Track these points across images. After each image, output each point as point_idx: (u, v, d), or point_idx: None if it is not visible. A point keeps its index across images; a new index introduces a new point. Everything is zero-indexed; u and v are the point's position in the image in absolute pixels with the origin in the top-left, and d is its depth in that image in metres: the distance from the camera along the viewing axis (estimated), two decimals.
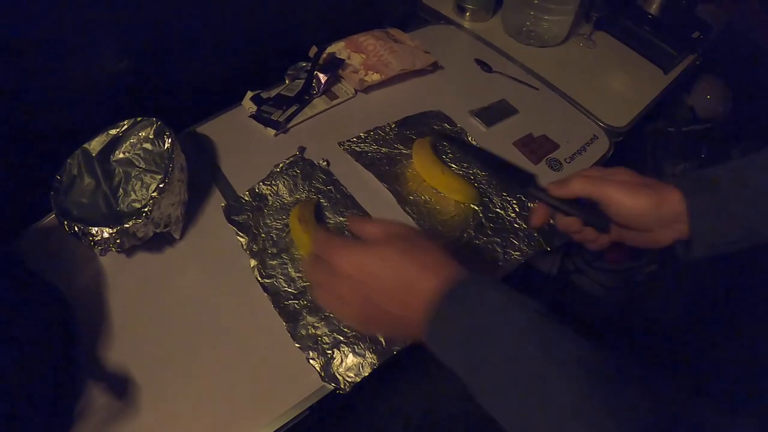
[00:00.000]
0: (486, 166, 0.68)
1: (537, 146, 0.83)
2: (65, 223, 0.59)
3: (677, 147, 1.31)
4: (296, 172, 0.75)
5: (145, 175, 0.71)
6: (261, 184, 0.74)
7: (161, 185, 0.60)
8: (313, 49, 0.87)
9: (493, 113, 0.87)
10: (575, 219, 0.52)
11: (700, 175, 0.49)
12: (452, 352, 0.39)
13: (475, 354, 0.37)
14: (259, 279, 0.64)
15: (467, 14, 1.09)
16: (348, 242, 0.44)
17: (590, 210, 0.52)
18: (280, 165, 0.76)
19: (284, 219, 0.70)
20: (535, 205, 0.57)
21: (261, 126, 0.81)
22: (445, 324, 0.39)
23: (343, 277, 0.42)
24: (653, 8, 1.07)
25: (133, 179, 0.71)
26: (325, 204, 0.72)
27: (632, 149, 1.29)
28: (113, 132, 0.69)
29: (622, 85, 1.03)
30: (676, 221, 0.48)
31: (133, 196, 0.70)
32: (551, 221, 0.57)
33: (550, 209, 0.54)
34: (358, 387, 0.56)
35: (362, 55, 0.89)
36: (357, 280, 0.42)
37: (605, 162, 0.84)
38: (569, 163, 0.82)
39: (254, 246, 0.67)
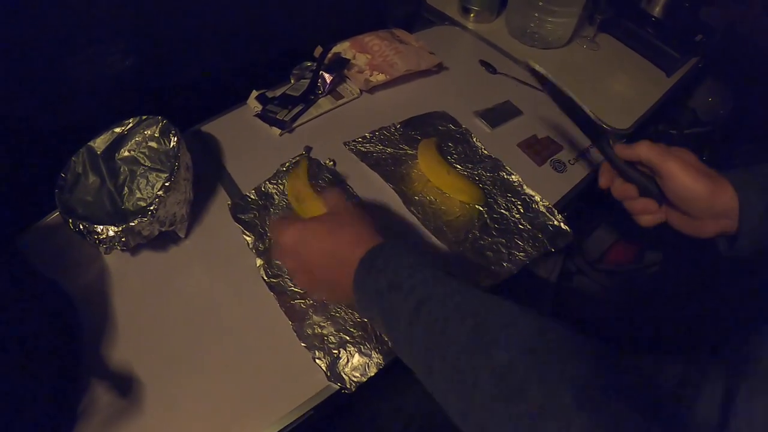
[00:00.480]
0: (563, 110, 0.67)
1: (541, 148, 0.83)
2: (70, 221, 0.58)
3: None
4: None
5: (151, 174, 0.71)
6: (267, 182, 0.73)
7: (167, 184, 0.60)
8: (318, 49, 0.87)
9: (498, 114, 0.87)
10: (633, 187, 0.54)
11: (753, 172, 0.49)
12: (369, 308, 0.44)
13: (386, 306, 0.42)
14: (265, 278, 0.64)
15: (472, 15, 1.09)
16: (287, 220, 0.51)
17: (649, 180, 0.53)
18: (287, 164, 0.76)
19: None
20: (602, 166, 0.60)
21: (266, 125, 0.81)
22: (362, 284, 0.44)
23: (285, 251, 0.49)
24: (656, 11, 1.07)
25: (138, 178, 0.70)
26: None
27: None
28: (118, 130, 0.68)
29: (625, 87, 1.03)
30: (725, 216, 0.49)
31: (139, 195, 0.70)
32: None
33: (614, 173, 0.57)
34: (361, 386, 0.56)
35: (367, 55, 0.89)
36: (294, 251, 0.48)
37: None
38: (573, 164, 0.82)
39: (260, 245, 0.67)
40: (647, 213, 0.55)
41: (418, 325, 0.39)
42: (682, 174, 0.49)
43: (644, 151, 0.52)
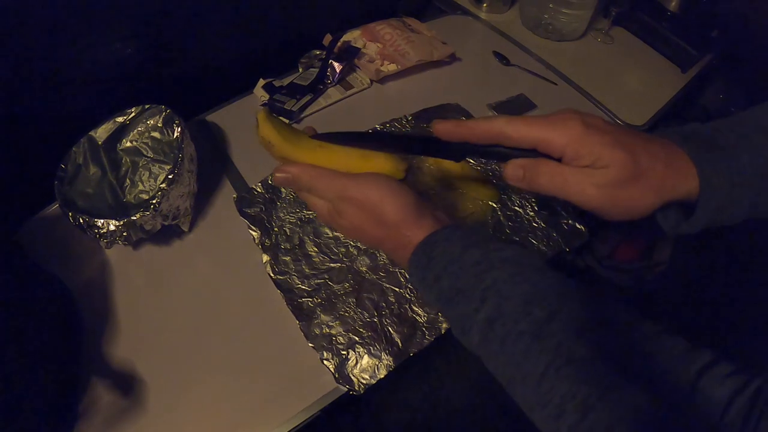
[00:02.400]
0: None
1: None
2: (70, 214, 0.56)
3: None
4: None
5: (153, 165, 0.68)
6: None
7: (170, 176, 0.58)
8: (328, 37, 0.85)
9: (512, 107, 0.85)
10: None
11: (711, 140, 0.40)
12: (428, 302, 0.43)
13: (452, 314, 0.39)
14: (272, 275, 0.62)
15: (484, 5, 1.06)
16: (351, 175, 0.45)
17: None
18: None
19: (298, 212, 0.68)
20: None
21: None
22: (421, 280, 0.41)
23: (347, 202, 0.44)
24: (672, 5, 1.05)
25: (140, 169, 0.68)
26: None
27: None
28: (120, 119, 0.66)
29: (640, 82, 1.01)
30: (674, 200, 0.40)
31: (141, 187, 0.67)
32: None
33: None
34: None
35: (378, 44, 0.87)
36: (361, 207, 0.44)
37: None
38: None
39: (267, 240, 0.65)
40: None
41: (493, 343, 0.35)
42: (610, 210, 0.39)
43: (546, 185, 0.39)
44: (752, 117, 0.43)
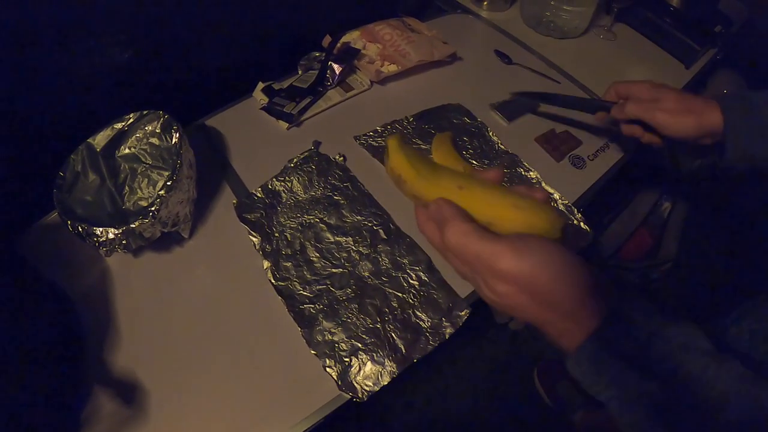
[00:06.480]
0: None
1: (559, 143, 0.80)
2: (69, 222, 0.56)
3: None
4: (311, 167, 0.72)
5: (152, 172, 0.68)
6: (274, 179, 0.71)
7: (169, 183, 0.57)
8: (327, 39, 0.84)
9: (515, 107, 0.84)
10: (638, 126, 0.65)
11: (742, 96, 0.58)
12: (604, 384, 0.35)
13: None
14: (273, 281, 0.61)
15: (485, 3, 1.05)
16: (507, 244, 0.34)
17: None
18: (294, 160, 0.73)
19: (299, 217, 0.67)
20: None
21: (273, 119, 0.78)
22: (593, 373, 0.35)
23: (501, 279, 0.34)
24: (675, 0, 1.03)
25: (139, 176, 0.67)
26: (342, 202, 0.69)
27: (651, 146, 1.27)
28: (118, 126, 0.65)
29: (643, 78, 0.99)
30: (714, 134, 0.58)
31: (140, 194, 0.67)
32: None
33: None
34: None
35: (378, 45, 0.86)
36: (518, 286, 0.34)
37: (629, 158, 0.81)
38: (592, 160, 0.79)
39: (267, 246, 0.64)
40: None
41: None
42: (668, 123, 0.59)
43: (632, 111, 0.63)
44: None
